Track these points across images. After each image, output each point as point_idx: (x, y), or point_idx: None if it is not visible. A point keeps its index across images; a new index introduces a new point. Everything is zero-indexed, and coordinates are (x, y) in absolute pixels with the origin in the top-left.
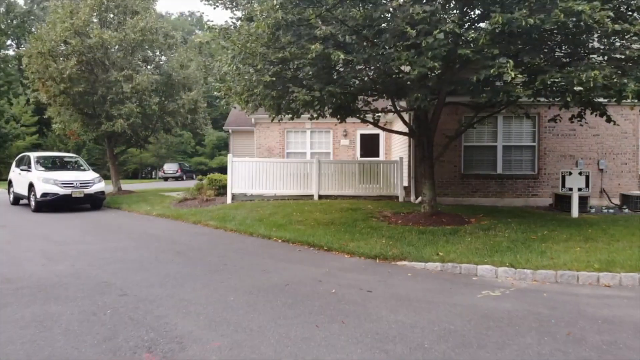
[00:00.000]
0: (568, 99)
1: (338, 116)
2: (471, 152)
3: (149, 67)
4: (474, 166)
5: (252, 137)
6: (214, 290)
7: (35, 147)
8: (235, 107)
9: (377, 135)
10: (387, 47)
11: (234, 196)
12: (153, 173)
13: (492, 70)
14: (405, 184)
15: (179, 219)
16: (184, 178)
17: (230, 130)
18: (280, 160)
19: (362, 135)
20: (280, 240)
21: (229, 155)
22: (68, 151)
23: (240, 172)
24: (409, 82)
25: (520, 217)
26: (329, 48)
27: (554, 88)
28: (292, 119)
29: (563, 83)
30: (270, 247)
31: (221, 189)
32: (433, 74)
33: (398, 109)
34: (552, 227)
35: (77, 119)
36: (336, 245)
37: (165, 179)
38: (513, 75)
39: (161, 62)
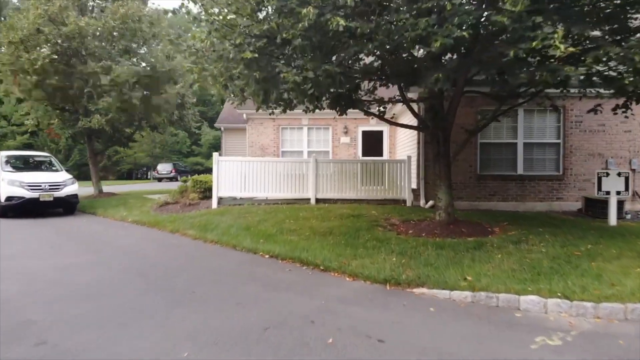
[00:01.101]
0: (626, 82)
1: (337, 108)
2: (488, 150)
3: (131, 58)
4: (491, 166)
5: (245, 135)
6: (167, 336)
7: (27, 146)
8: (213, 95)
9: (381, 133)
10: (400, 9)
11: (220, 200)
12: (148, 173)
13: (534, 43)
14: (414, 186)
15: (156, 226)
16: (179, 179)
17: (222, 128)
18: (272, 160)
19: (364, 133)
20: (267, 256)
21: (215, 154)
22: (59, 151)
23: (227, 173)
24: (425, 63)
25: (551, 226)
26: (326, 14)
27: (606, 72)
28: (284, 111)
29: (620, 61)
30: (255, 265)
31: (207, 192)
32: (456, 51)
33: (407, 98)
34: (594, 239)
35: (53, 114)
36: (335, 263)
37: (159, 179)
38: (563, 49)
39: (145, 53)
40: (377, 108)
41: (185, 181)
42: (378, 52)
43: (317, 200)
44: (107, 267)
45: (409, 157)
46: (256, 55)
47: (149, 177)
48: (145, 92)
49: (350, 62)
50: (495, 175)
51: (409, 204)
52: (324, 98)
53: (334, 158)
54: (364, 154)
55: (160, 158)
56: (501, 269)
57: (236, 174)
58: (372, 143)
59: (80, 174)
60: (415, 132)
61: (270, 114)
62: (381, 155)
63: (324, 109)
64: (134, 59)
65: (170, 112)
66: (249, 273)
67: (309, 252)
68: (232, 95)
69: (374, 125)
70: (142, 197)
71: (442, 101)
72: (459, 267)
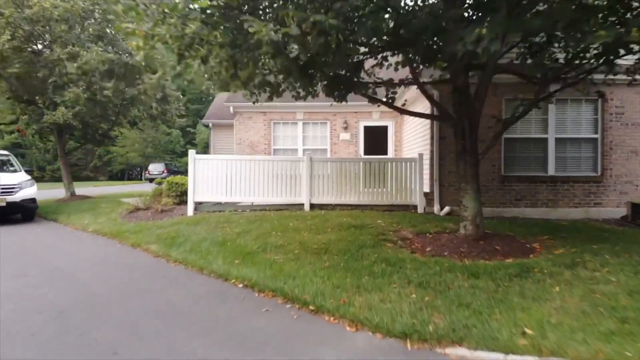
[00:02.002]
0: None
1: (335, 93)
2: (514, 146)
3: (105, 46)
4: (517, 165)
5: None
6: None
7: (15, 146)
8: (211, 89)
9: (385, 128)
10: None
11: (197, 206)
12: (142, 174)
13: None
14: (426, 189)
15: (117, 237)
16: None
17: (210, 125)
18: (259, 158)
19: (366, 128)
20: (241, 284)
21: (190, 152)
22: (48, 150)
23: (206, 174)
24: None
25: (603, 240)
26: None
27: None
28: (270, 98)
29: None
30: (221, 300)
31: (183, 196)
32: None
33: (421, 82)
34: None
35: (16, 107)
36: (330, 301)
37: (151, 180)
38: None
39: (119, 39)
40: (386, 93)
41: (159, 183)
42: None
43: (312, 206)
44: (17, 302)
45: (421, 155)
46: (215, 1)
47: (142, 177)
48: (120, 83)
49: (350, 12)
50: (522, 176)
51: (420, 210)
52: (318, 77)
53: (333, 157)
54: (366, 153)
55: (154, 158)
56: (567, 311)
57: (216, 175)
58: (376, 140)
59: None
60: (427, 127)
61: (254, 102)
62: (385, 153)
63: (317, 94)
64: (109, 47)
65: (148, 104)
66: (209, 316)
67: (295, 280)
68: (205, 77)
69: (377, 119)
70: (117, 201)
71: (467, 83)
72: (508, 310)
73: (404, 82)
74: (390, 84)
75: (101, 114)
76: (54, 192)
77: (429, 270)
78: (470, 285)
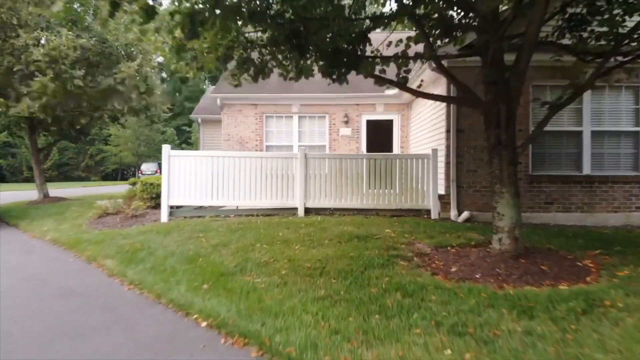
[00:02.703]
0: None
1: (334, 70)
2: (543, 141)
3: (81, 31)
4: (548, 163)
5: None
6: None
7: (6, 145)
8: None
9: (390, 123)
10: None
11: (173, 210)
12: (137, 173)
13: None
14: (441, 191)
15: (75, 248)
16: None
17: (199, 120)
18: (245, 155)
19: (369, 123)
20: (205, 323)
21: (164, 147)
22: (39, 150)
23: (183, 173)
24: None
25: None
26: None
27: None
28: (255, 79)
29: None
30: (171, 351)
31: (159, 199)
32: None
33: (441, 53)
34: None
35: None
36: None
37: None
38: None
39: (94, 22)
40: (397, 73)
41: (134, 184)
42: None
43: (307, 211)
44: None
45: (435, 151)
46: None
47: (137, 177)
48: (94, 71)
49: None
50: (553, 176)
51: (434, 215)
52: (312, 51)
53: (331, 153)
54: (368, 150)
55: (147, 157)
56: None
57: (195, 175)
58: (380, 135)
59: (60, 175)
60: (441, 118)
61: (235, 86)
62: (391, 150)
63: (312, 72)
64: (85, 34)
65: (127, 96)
66: None
67: (278, 319)
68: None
69: (381, 112)
70: (92, 204)
71: (502, 55)
72: None
73: (420, 56)
74: (403, 58)
75: (74, 107)
76: (30, 193)
77: (461, 304)
78: (525, 331)
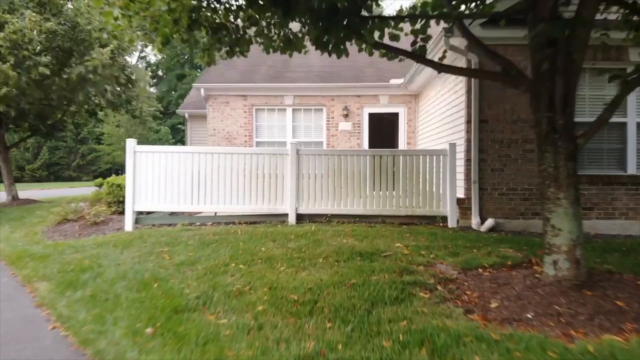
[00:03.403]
0: None
1: (329, 38)
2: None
3: (51, 15)
4: (585, 161)
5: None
6: None
7: None
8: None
9: (395, 115)
10: None
11: (139, 217)
12: None
13: None
14: (460, 194)
15: (15, 264)
16: None
17: (186, 115)
18: (225, 151)
19: (371, 116)
20: None
21: (129, 142)
22: (28, 149)
23: (151, 173)
24: None
25: None
26: None
27: None
28: (230, 53)
29: None
30: None
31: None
32: None
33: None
34: None
35: None
36: None
37: None
38: None
39: (67, 5)
40: (412, 42)
41: (100, 185)
42: None
43: (300, 218)
44: None
45: (453, 146)
46: None
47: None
48: (62, 58)
49: None
50: (593, 176)
51: (452, 223)
52: (300, 11)
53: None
54: (371, 146)
55: None
56: None
57: (166, 175)
58: (383, 131)
59: (50, 175)
60: (459, 107)
61: (208, 64)
62: (395, 147)
63: (302, 42)
64: (58, 18)
65: (101, 87)
66: None
67: None
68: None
69: (385, 105)
70: (61, 207)
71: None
72: None
73: (444, 15)
74: (422, 17)
75: (42, 99)
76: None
77: None
78: None
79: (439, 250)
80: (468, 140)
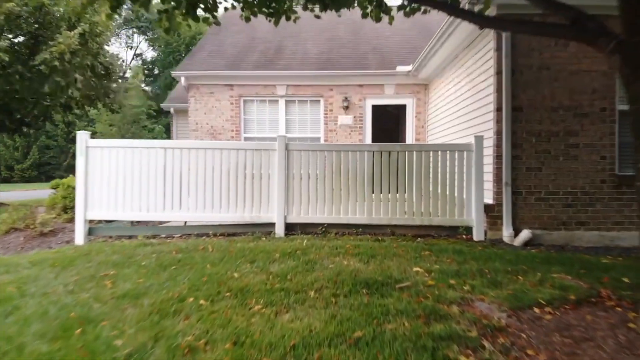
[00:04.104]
0: None
1: None
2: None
3: None
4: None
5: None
6: None
7: None
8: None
9: (403, 108)
10: None
11: (93, 228)
12: None
13: None
14: (488, 199)
15: None
16: None
17: (172, 110)
18: (197, 146)
19: (375, 109)
20: None
21: (79, 134)
22: (17, 148)
23: (107, 173)
24: None
25: None
26: None
27: None
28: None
29: None
30: None
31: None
32: None
33: None
34: None
35: None
36: None
37: None
38: None
39: None
40: None
41: (55, 187)
42: None
43: (289, 228)
44: None
45: (479, 140)
46: None
47: None
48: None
49: None
50: None
51: (478, 236)
52: None
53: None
54: (375, 142)
55: None
56: None
57: (125, 175)
58: (389, 125)
59: (40, 175)
60: (486, 93)
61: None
62: (404, 142)
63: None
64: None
65: (70, 77)
66: None
67: None
68: None
69: (391, 95)
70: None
71: None
72: None
73: None
74: None
75: (6, 90)
76: None
77: None
78: None
79: (473, 277)
80: (498, 133)
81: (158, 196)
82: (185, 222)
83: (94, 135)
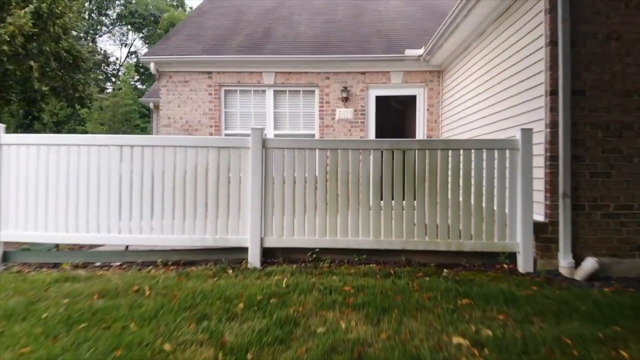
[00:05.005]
0: None
1: None
2: None
3: None
4: None
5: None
6: None
7: None
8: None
9: (412, 100)
10: None
11: (8, 252)
12: None
13: None
14: (538, 215)
15: None
16: None
17: (151, 105)
18: (144, 142)
19: (380, 100)
20: None
21: None
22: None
23: (25, 179)
24: None
25: None
26: None
27: None
28: None
29: None
30: None
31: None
32: None
33: None
34: None
35: None
36: None
37: None
38: None
39: None
40: None
41: None
42: None
43: (268, 255)
44: None
45: (527, 133)
46: None
47: None
48: None
49: None
50: None
51: (526, 266)
52: None
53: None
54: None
55: None
56: None
57: (49, 182)
58: (395, 119)
59: None
60: (532, 71)
61: None
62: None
63: None
64: None
65: (24, 65)
66: None
67: None
68: None
69: (398, 85)
70: None
71: None
72: None
73: None
74: None
75: None
76: None
77: None
78: None
79: (550, 355)
80: (552, 125)
81: (91, 211)
82: (127, 247)
83: (85, 133)
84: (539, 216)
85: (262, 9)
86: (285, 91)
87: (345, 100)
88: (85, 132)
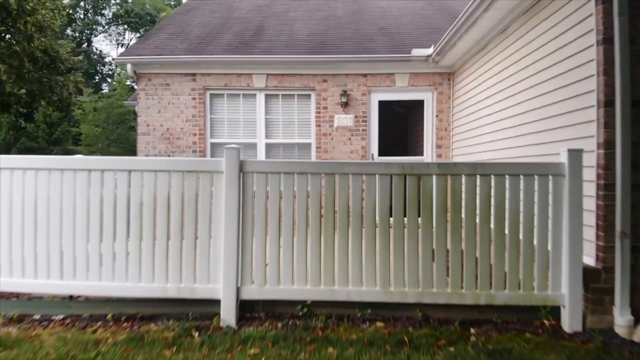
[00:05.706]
0: None
1: None
2: None
3: None
4: None
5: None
6: None
7: None
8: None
9: (420, 105)
10: None
11: None
12: None
13: None
14: (588, 259)
15: None
16: None
17: (136, 109)
18: (96, 166)
19: (383, 105)
20: None
21: None
22: None
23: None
24: None
25: None
26: None
27: None
28: None
29: None
30: None
31: None
32: None
33: None
34: None
35: None
36: None
37: None
38: None
39: None
40: None
41: None
42: None
43: (246, 308)
44: None
45: (577, 156)
46: None
47: None
48: None
49: None
50: None
51: (573, 324)
52: None
53: (321, 158)
54: (382, 152)
55: None
56: None
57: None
58: (400, 127)
59: None
60: (577, 76)
61: None
62: (421, 153)
63: None
64: None
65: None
66: None
67: None
68: None
69: (403, 88)
70: None
71: None
72: None
73: None
74: None
75: None
76: None
77: None
78: None
79: None
80: (607, 146)
81: (26, 249)
82: (71, 297)
83: (79, 135)
84: (589, 259)
85: (255, 5)
86: (277, 95)
87: (345, 105)
88: (80, 134)
